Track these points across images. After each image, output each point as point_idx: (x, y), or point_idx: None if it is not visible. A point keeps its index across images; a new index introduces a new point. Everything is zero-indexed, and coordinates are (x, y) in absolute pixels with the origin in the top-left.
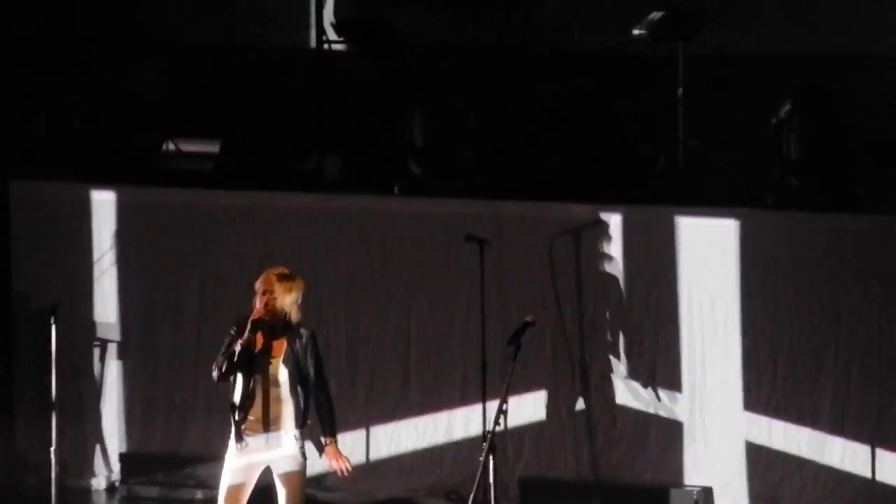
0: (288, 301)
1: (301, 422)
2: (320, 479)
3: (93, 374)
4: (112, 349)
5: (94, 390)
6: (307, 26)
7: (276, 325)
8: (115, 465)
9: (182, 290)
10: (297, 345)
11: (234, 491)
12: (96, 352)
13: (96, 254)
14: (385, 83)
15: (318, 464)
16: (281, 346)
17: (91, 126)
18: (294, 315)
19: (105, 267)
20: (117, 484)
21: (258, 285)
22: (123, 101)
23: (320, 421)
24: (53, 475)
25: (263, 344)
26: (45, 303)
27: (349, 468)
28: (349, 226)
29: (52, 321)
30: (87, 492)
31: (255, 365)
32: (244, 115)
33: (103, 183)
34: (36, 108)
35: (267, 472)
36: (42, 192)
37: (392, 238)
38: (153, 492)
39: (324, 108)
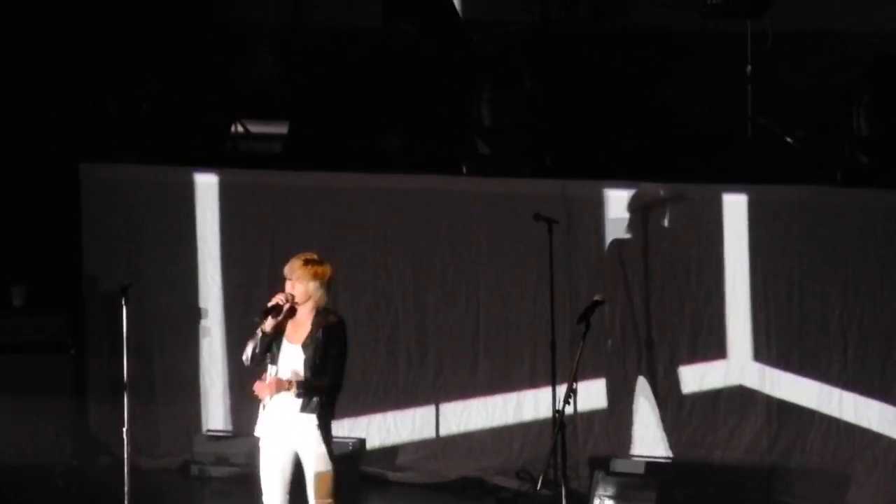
0: (312, 286)
1: (313, 408)
2: (390, 458)
3: (166, 355)
4: (184, 329)
5: (167, 371)
6: (374, 6)
7: (301, 310)
8: (188, 446)
9: (253, 271)
10: (321, 331)
11: (267, 475)
12: (170, 332)
13: (166, 235)
14: (452, 62)
15: (388, 440)
16: (304, 332)
17: (160, 108)
18: (318, 300)
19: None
20: (190, 464)
21: (285, 271)
22: (193, 84)
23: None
24: (126, 455)
25: (287, 329)
26: (115, 285)
27: (259, 393)
28: (417, 206)
29: (123, 302)
30: (159, 472)
31: (276, 350)
32: (312, 95)
33: (173, 164)
34: (106, 91)
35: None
36: (112, 174)
37: (460, 218)
38: (224, 472)
39: (391, 87)
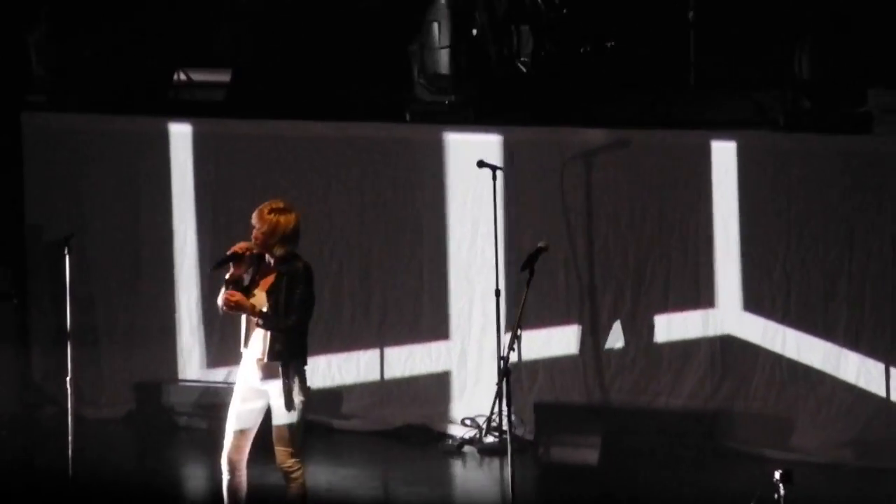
0: (278, 233)
1: (275, 355)
2: (335, 405)
3: (108, 304)
4: (126, 279)
5: (110, 320)
6: None
7: (266, 257)
8: (130, 395)
9: (190, 218)
10: (285, 277)
11: (233, 419)
12: (111, 281)
13: (108, 185)
14: (399, 8)
15: (333, 386)
16: (269, 279)
17: (102, 56)
18: (283, 247)
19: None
20: (133, 413)
21: (252, 219)
22: (136, 31)
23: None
24: (70, 405)
25: (254, 276)
26: (58, 235)
27: (225, 298)
28: (363, 153)
29: (66, 251)
30: (102, 421)
31: (245, 297)
32: (256, 42)
33: (116, 113)
34: (47, 39)
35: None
36: (52, 122)
37: (404, 166)
38: (167, 421)
39: (336, 33)
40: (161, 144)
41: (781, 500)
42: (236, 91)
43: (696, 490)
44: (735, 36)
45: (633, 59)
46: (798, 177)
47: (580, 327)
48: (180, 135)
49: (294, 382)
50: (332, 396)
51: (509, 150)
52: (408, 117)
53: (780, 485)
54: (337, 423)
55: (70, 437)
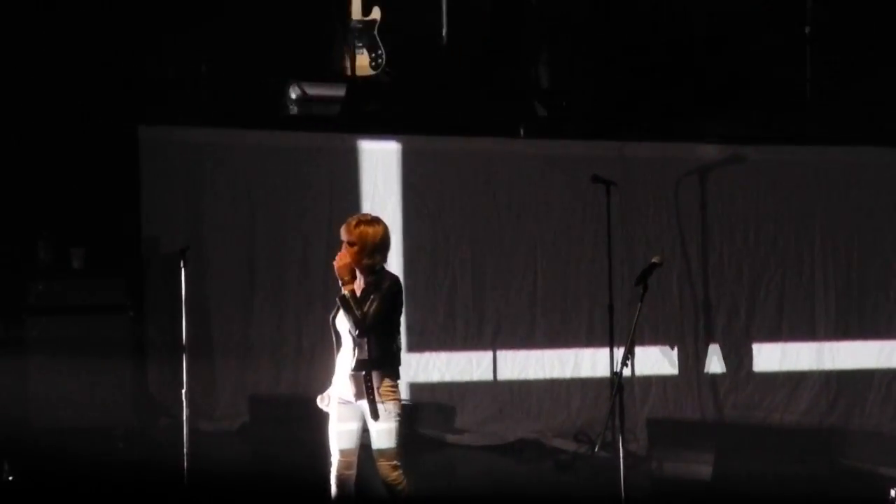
0: (367, 245)
1: (359, 365)
2: (450, 421)
3: (222, 318)
4: (242, 292)
5: (224, 333)
6: None
7: (358, 271)
8: (245, 407)
9: (310, 233)
10: (373, 289)
11: (334, 439)
12: (228, 295)
13: (224, 198)
14: (510, 23)
15: (441, 400)
16: (358, 293)
17: (219, 70)
18: (372, 259)
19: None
20: (247, 425)
21: (340, 233)
22: (252, 46)
23: None
24: (185, 417)
25: (352, 291)
26: (174, 247)
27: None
28: (475, 168)
29: (182, 264)
30: (218, 433)
31: (334, 314)
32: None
33: (232, 126)
34: (166, 54)
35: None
36: (170, 136)
37: (518, 180)
38: (282, 433)
39: (449, 48)
40: (277, 158)
41: None
42: (351, 105)
43: None
44: (852, 51)
45: (749, 73)
46: None
47: (696, 343)
48: (298, 149)
49: (379, 393)
50: (446, 411)
51: (624, 165)
52: (522, 132)
53: None
54: (450, 438)
55: (185, 449)
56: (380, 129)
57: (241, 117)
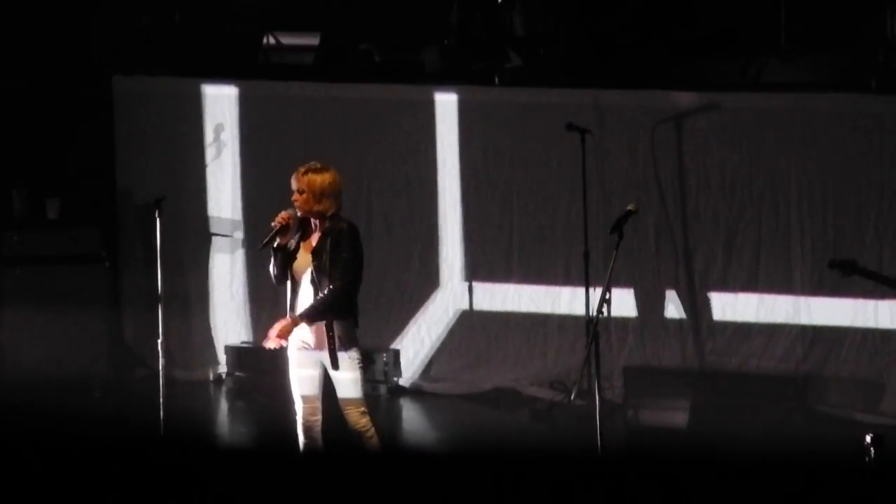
0: (315, 192)
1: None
2: (425, 369)
3: (199, 268)
4: (219, 242)
5: (201, 284)
6: None
7: (311, 220)
8: (222, 357)
9: (286, 181)
10: (329, 237)
11: (295, 385)
12: (204, 245)
13: (200, 148)
14: None
15: (422, 351)
16: (313, 240)
17: (192, 19)
18: (322, 206)
19: (209, 160)
20: (224, 376)
21: (291, 183)
22: None
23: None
24: (161, 367)
25: (300, 238)
26: (149, 197)
27: (270, 345)
28: (450, 116)
29: (157, 215)
30: (194, 383)
31: (291, 261)
32: (343, 5)
33: (204, 76)
34: (138, 3)
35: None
36: (144, 86)
37: (493, 128)
38: (259, 383)
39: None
40: (252, 106)
41: (872, 464)
42: (325, 54)
43: (786, 453)
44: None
45: (723, 20)
46: (890, 140)
47: (672, 290)
48: (272, 96)
49: (339, 341)
50: (422, 360)
51: (599, 113)
52: (496, 80)
53: (871, 448)
54: (427, 387)
55: (161, 400)
56: (357, 78)
57: (216, 66)
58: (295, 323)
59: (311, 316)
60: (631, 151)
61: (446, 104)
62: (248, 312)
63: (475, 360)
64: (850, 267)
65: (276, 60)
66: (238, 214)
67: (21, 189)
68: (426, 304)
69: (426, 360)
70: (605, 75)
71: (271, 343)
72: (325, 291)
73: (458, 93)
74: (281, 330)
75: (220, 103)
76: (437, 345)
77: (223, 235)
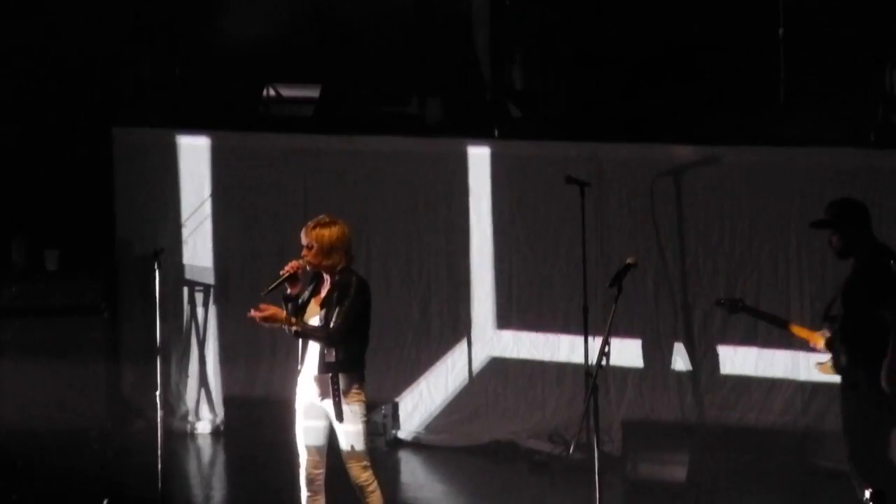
0: (325, 246)
1: (326, 367)
2: (423, 421)
3: (194, 320)
4: (216, 294)
5: (197, 335)
6: None
7: (321, 272)
8: (220, 409)
9: (282, 233)
10: (337, 290)
11: (300, 435)
12: (198, 297)
13: (193, 200)
14: (484, 25)
15: (421, 404)
16: (323, 292)
17: (192, 73)
18: (332, 260)
19: (205, 213)
20: (221, 427)
21: (301, 237)
22: (225, 48)
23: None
24: (159, 419)
25: (312, 292)
26: (148, 249)
27: (255, 314)
28: (450, 169)
29: (156, 266)
30: (192, 435)
31: (301, 313)
32: (343, 59)
33: (202, 129)
34: (138, 56)
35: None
36: (143, 138)
37: (493, 181)
38: (256, 435)
39: (423, 51)
40: (252, 159)
41: None
42: (325, 106)
43: None
44: (825, 52)
45: (722, 75)
46: (889, 195)
47: (671, 343)
48: (270, 149)
49: (346, 395)
50: (421, 413)
51: (599, 166)
52: (496, 133)
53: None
54: (426, 439)
55: (159, 451)
56: (353, 131)
57: (215, 119)
58: (289, 321)
59: (305, 331)
60: (630, 204)
61: (450, 156)
62: (247, 364)
63: (474, 414)
64: (734, 305)
65: (277, 112)
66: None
67: (20, 240)
68: (423, 356)
69: (425, 413)
70: (604, 129)
71: (254, 313)
72: (325, 330)
73: (459, 146)
74: (272, 313)
75: (212, 155)
76: (437, 397)
77: (200, 285)
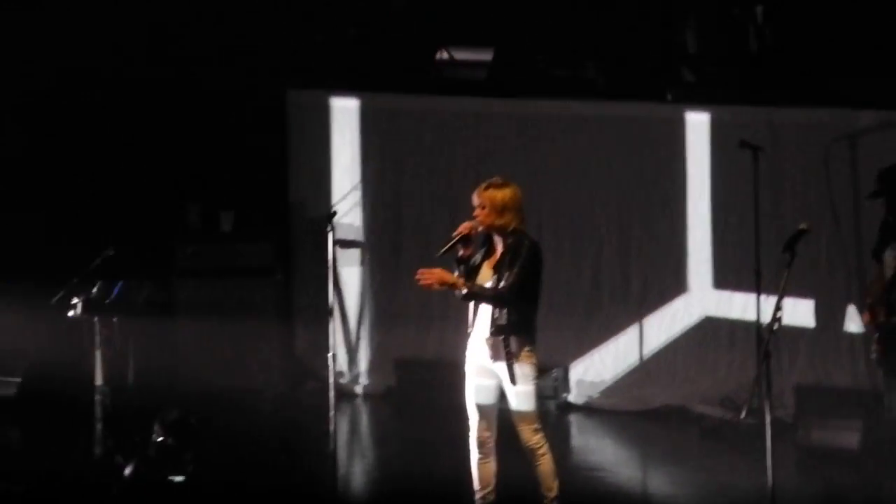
0: (497, 208)
1: (497, 330)
2: (595, 386)
3: (365, 283)
4: (389, 256)
5: (371, 298)
6: None
7: (495, 237)
8: (391, 371)
9: (459, 198)
10: (510, 253)
11: (472, 403)
12: (370, 260)
13: (366, 162)
14: None
15: (592, 368)
16: (496, 255)
17: (367, 35)
18: (504, 221)
19: (377, 176)
20: (393, 389)
21: (473, 198)
22: (398, 10)
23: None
24: (331, 380)
25: (485, 255)
26: (322, 211)
27: (423, 277)
28: (623, 133)
29: (329, 229)
30: (365, 397)
31: (473, 275)
32: (517, 21)
33: (376, 91)
34: (313, 18)
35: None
36: (319, 100)
37: (665, 146)
38: (427, 397)
39: (597, 14)
40: (427, 123)
41: None
42: (499, 69)
43: None
44: None
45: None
46: None
47: (846, 307)
48: (443, 112)
49: (517, 357)
50: (592, 377)
51: (773, 131)
52: (669, 97)
53: None
54: (596, 403)
55: (331, 413)
56: (529, 94)
57: (388, 82)
58: (458, 285)
59: (475, 292)
60: (804, 170)
61: (623, 121)
62: (418, 326)
63: (645, 377)
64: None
65: (450, 75)
66: (409, 227)
67: (196, 202)
68: (595, 321)
69: (596, 378)
70: (778, 92)
71: (423, 275)
72: (501, 291)
73: (633, 110)
74: (439, 276)
75: (393, 118)
76: (607, 360)
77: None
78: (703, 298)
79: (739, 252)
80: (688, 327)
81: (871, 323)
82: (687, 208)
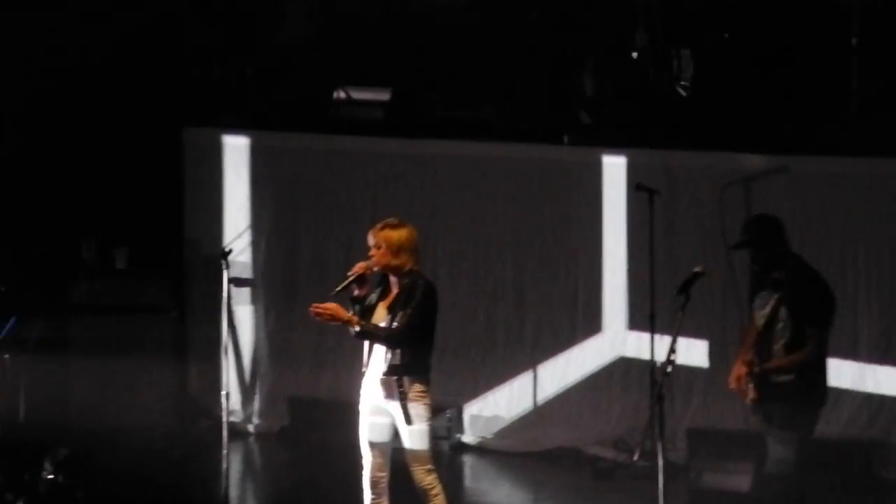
0: (392, 248)
1: (391, 370)
2: (488, 427)
3: (260, 321)
4: (284, 295)
5: (265, 336)
6: None
7: (388, 274)
8: (284, 410)
9: (354, 236)
10: (404, 293)
11: (365, 432)
12: (264, 298)
13: (261, 201)
14: (555, 31)
15: (486, 409)
16: (391, 295)
17: (263, 74)
18: (399, 262)
19: (273, 214)
20: (286, 429)
21: (368, 238)
22: (296, 50)
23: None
24: (224, 419)
25: (380, 295)
26: (216, 249)
27: (317, 311)
28: (518, 175)
29: (224, 266)
30: (257, 435)
31: (369, 315)
32: (414, 62)
33: (271, 130)
34: (210, 56)
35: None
36: (214, 138)
37: (560, 188)
38: (321, 437)
39: (493, 55)
40: (321, 161)
41: None
42: (395, 110)
43: None
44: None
45: (794, 84)
46: None
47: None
48: (340, 152)
49: (410, 397)
50: (486, 418)
51: (668, 174)
52: (566, 140)
53: None
54: (490, 444)
55: (224, 451)
56: (427, 134)
57: (285, 121)
58: (350, 321)
59: (367, 331)
60: (698, 213)
61: (519, 161)
62: (312, 365)
63: (538, 419)
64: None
65: (347, 115)
66: (305, 267)
67: (90, 238)
68: (489, 361)
69: (489, 418)
70: (673, 137)
71: (316, 308)
72: (390, 330)
73: (529, 151)
74: (333, 311)
75: (286, 156)
76: (501, 402)
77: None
78: (614, 339)
79: (630, 294)
80: (588, 371)
81: (746, 374)
82: (582, 249)
